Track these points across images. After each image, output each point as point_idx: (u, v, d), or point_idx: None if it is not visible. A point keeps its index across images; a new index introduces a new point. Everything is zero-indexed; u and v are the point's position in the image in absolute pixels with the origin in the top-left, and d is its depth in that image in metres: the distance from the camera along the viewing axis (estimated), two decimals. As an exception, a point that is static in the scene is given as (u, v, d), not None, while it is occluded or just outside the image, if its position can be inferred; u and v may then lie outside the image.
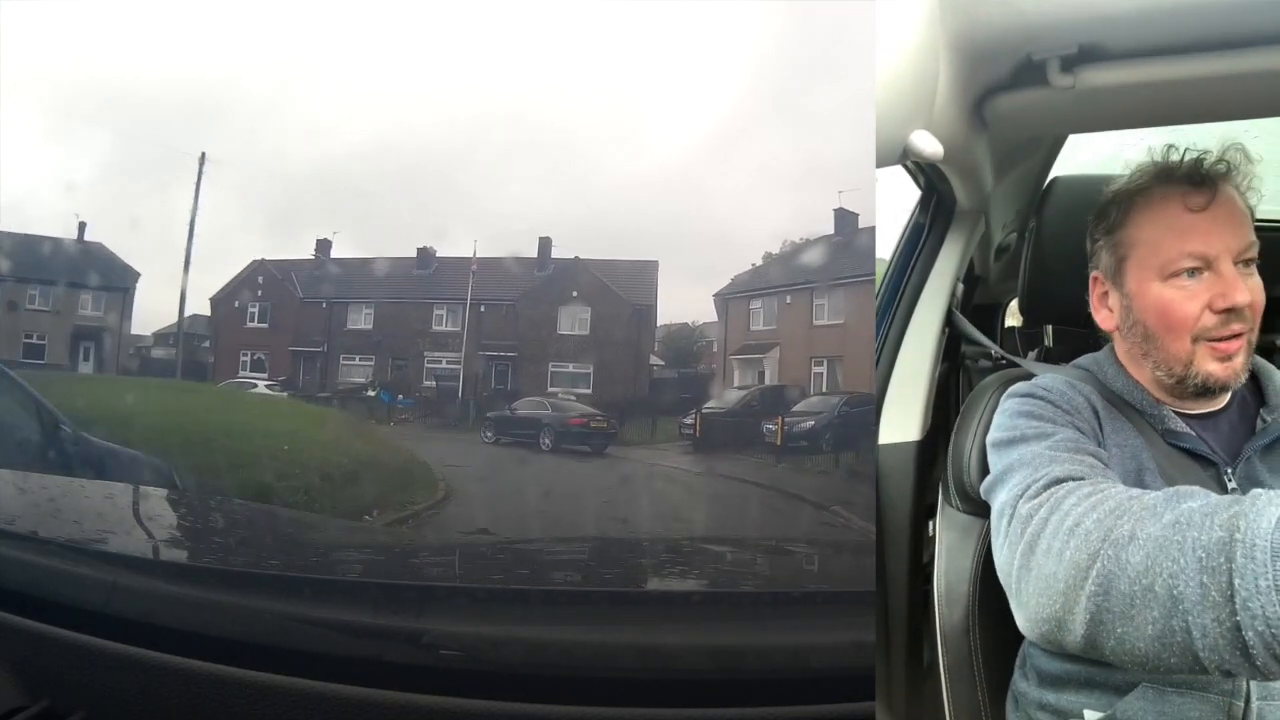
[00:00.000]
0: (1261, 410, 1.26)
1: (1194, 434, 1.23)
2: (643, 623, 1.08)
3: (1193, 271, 1.18)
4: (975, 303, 2.69)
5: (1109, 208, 1.28)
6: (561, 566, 1.59)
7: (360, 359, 24.05)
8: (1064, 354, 1.42)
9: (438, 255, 24.99)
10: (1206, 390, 1.22)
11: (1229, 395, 1.27)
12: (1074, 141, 2.10)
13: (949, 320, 2.00)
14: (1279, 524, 0.73)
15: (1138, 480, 1.19)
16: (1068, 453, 1.09)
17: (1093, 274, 1.31)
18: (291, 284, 24.48)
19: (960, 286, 2.15)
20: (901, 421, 1.84)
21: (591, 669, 0.96)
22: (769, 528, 9.15)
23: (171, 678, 0.92)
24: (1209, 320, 1.18)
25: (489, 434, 16.26)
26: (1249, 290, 1.17)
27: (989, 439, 1.23)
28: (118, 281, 22.88)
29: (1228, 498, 0.83)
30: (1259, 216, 1.24)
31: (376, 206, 33.43)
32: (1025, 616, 0.94)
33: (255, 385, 20.60)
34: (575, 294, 22.95)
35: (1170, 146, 1.24)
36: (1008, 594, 1.00)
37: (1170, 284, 1.19)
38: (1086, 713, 1.18)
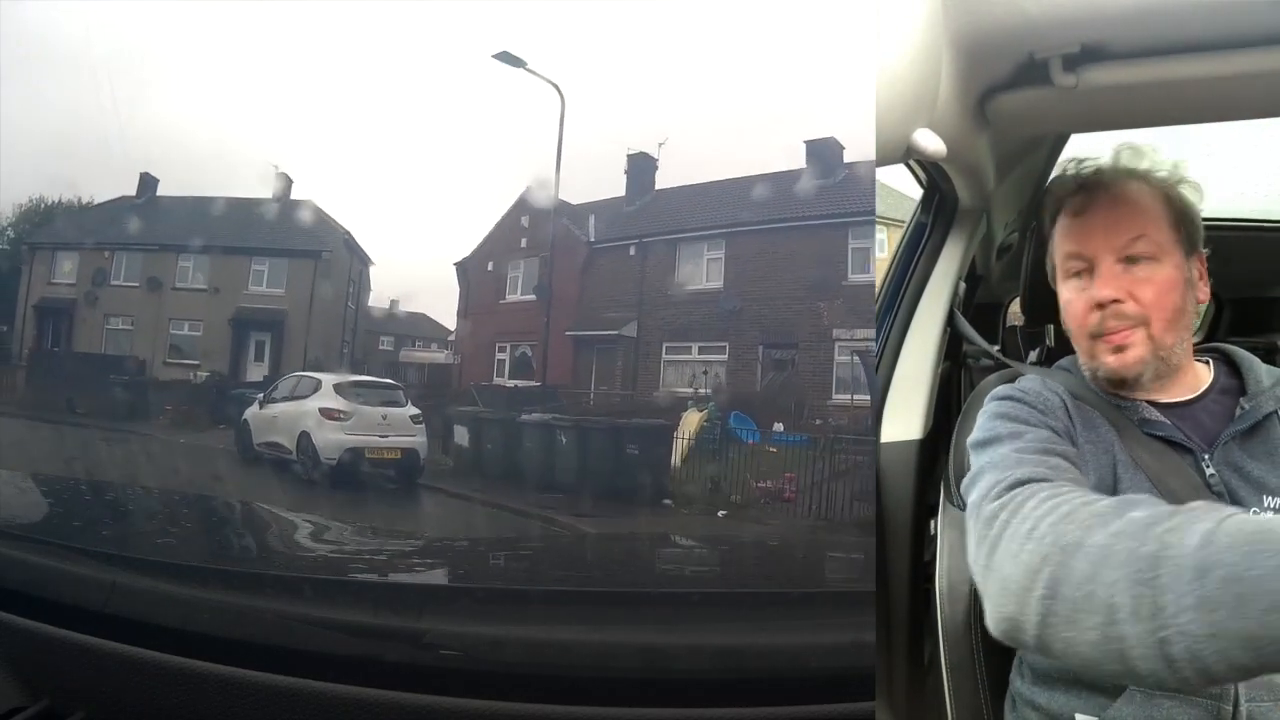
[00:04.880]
0: (1241, 399, 1.27)
1: (1169, 422, 1.25)
2: (643, 623, 1.08)
3: (1079, 273, 1.26)
4: (977, 302, 2.69)
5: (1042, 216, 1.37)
6: (561, 566, 1.59)
7: (700, 349, 12.73)
8: (1066, 353, 1.42)
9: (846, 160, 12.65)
10: (1116, 382, 1.26)
11: (1204, 385, 1.29)
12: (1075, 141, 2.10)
13: (950, 319, 2.00)
14: (1202, 543, 0.75)
15: (1111, 473, 1.21)
16: (1036, 454, 1.12)
17: None
18: (580, 228, 14.15)
19: (962, 285, 2.15)
20: (903, 420, 1.83)
21: (591, 669, 0.96)
22: None
23: (171, 678, 0.92)
24: (1094, 318, 1.24)
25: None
26: (1121, 286, 1.21)
27: (969, 441, 1.25)
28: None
29: (1169, 508, 0.85)
30: (1261, 218, 1.24)
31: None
32: (989, 615, 0.97)
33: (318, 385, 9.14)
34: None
35: (1072, 159, 1.33)
36: (979, 590, 1.02)
37: (1066, 285, 1.29)
38: (1078, 716, 1.18)
